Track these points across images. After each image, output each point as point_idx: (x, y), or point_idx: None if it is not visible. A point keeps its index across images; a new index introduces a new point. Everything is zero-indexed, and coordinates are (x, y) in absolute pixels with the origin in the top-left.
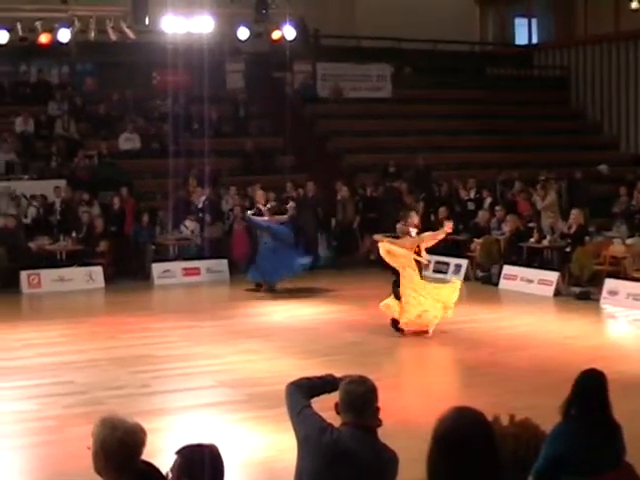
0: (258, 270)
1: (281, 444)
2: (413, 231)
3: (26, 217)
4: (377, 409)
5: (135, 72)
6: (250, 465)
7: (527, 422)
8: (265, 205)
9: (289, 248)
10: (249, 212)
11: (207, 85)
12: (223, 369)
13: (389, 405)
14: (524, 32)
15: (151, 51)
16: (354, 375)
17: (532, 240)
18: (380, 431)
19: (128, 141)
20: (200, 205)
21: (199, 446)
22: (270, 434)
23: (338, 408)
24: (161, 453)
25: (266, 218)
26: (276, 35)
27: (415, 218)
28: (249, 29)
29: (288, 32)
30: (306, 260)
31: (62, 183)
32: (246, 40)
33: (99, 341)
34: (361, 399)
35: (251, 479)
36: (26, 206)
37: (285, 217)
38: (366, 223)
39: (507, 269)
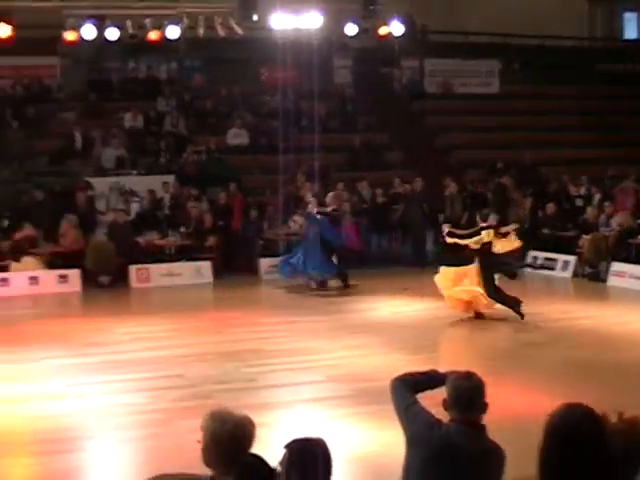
0: (290, 265)
1: (386, 439)
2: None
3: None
4: (485, 405)
5: (243, 68)
6: (355, 460)
7: (636, 420)
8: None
9: (324, 252)
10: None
11: (315, 81)
12: (330, 364)
13: (494, 400)
14: (633, 26)
15: (259, 47)
16: (461, 371)
17: None
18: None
19: (236, 137)
20: (308, 200)
21: (307, 440)
22: (375, 430)
23: (446, 404)
24: (268, 447)
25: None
26: (383, 31)
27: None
28: (357, 25)
29: (395, 28)
30: (329, 270)
31: (171, 178)
32: (354, 36)
33: (207, 335)
34: (468, 394)
35: (355, 474)
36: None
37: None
38: (474, 219)
39: (616, 266)
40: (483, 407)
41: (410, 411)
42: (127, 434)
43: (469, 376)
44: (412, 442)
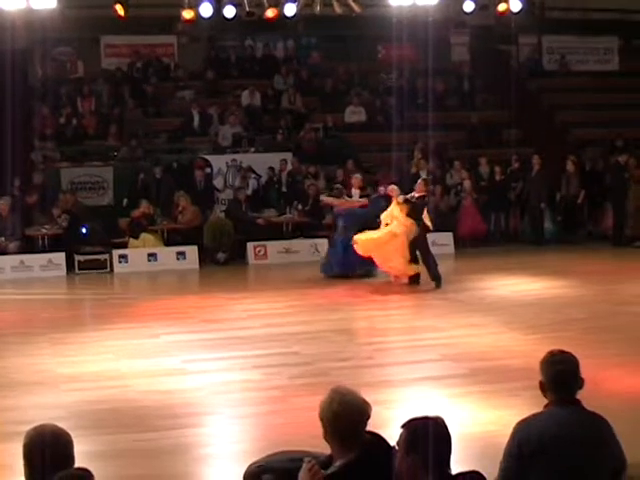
0: (330, 264)
1: (503, 419)
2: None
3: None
4: (582, 381)
5: (360, 45)
6: (471, 440)
7: None
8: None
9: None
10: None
11: (432, 58)
12: (446, 343)
13: (615, 384)
14: None
15: (376, 24)
16: (555, 350)
17: None
18: (606, 411)
19: (354, 114)
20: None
21: (426, 419)
22: (491, 409)
23: (543, 387)
24: (385, 425)
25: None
26: (502, 7)
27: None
28: (474, 1)
29: (514, 4)
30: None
31: (288, 156)
32: (471, 12)
33: (324, 313)
34: (566, 375)
35: (471, 454)
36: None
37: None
38: (591, 197)
39: None
40: (581, 384)
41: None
42: (243, 411)
43: (565, 355)
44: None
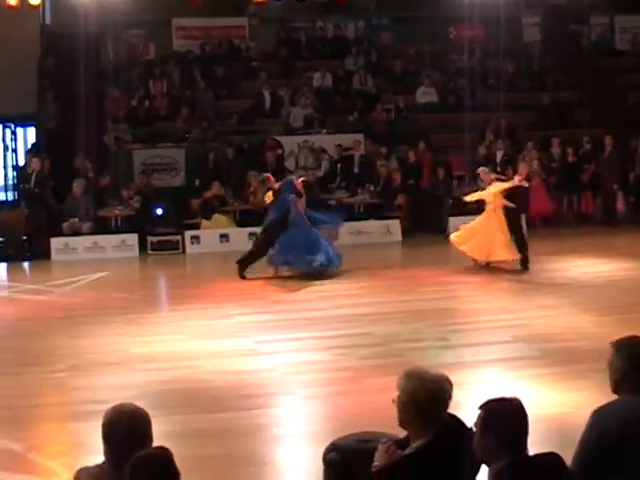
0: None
1: (575, 401)
2: None
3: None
4: None
5: (431, 26)
6: (544, 421)
7: None
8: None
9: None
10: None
11: (503, 39)
12: (519, 324)
13: None
14: None
15: (447, 5)
16: (622, 339)
17: None
18: None
19: (425, 95)
20: (498, 160)
21: (503, 400)
22: (563, 391)
23: (617, 380)
24: (460, 406)
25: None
26: None
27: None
28: None
29: None
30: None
31: (360, 137)
32: None
33: (396, 294)
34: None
35: (543, 435)
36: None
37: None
38: None
39: None
40: None
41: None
42: (315, 391)
43: (633, 340)
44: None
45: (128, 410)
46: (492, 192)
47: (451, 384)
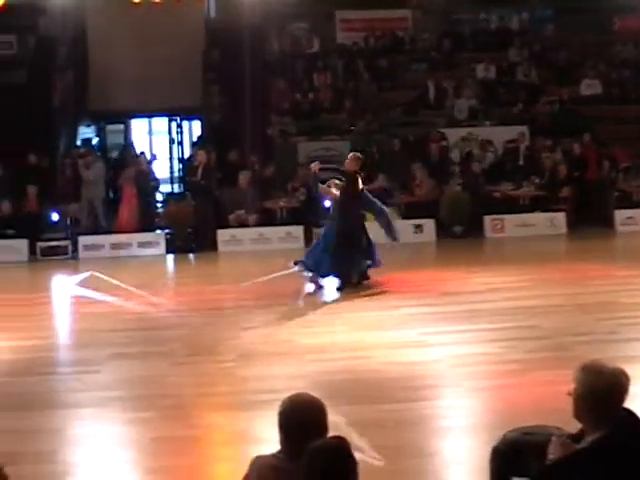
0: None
1: None
2: None
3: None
4: None
5: (596, 17)
6: None
7: None
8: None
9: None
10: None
11: None
12: None
13: None
14: None
15: None
16: None
17: None
18: None
19: (589, 87)
20: None
21: None
22: None
23: None
24: (631, 401)
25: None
26: None
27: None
28: None
29: None
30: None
31: (524, 129)
32: None
33: (563, 287)
34: None
35: None
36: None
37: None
38: None
39: None
40: None
41: None
42: (481, 384)
43: None
44: None
45: (304, 400)
46: None
47: (628, 378)
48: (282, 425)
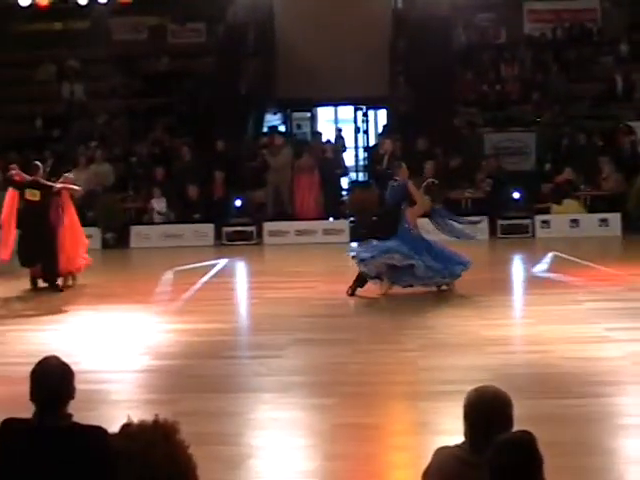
0: None
1: None
2: None
3: None
4: None
5: None
6: None
7: None
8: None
9: None
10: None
11: None
12: None
13: None
14: None
15: None
16: None
17: None
18: None
19: None
20: None
21: None
22: None
23: None
24: None
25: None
26: None
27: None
28: None
29: None
30: None
31: None
32: None
33: None
34: None
35: None
36: None
37: None
38: None
39: None
40: None
41: None
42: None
43: None
44: None
45: (491, 392)
46: None
47: None
48: (467, 416)
